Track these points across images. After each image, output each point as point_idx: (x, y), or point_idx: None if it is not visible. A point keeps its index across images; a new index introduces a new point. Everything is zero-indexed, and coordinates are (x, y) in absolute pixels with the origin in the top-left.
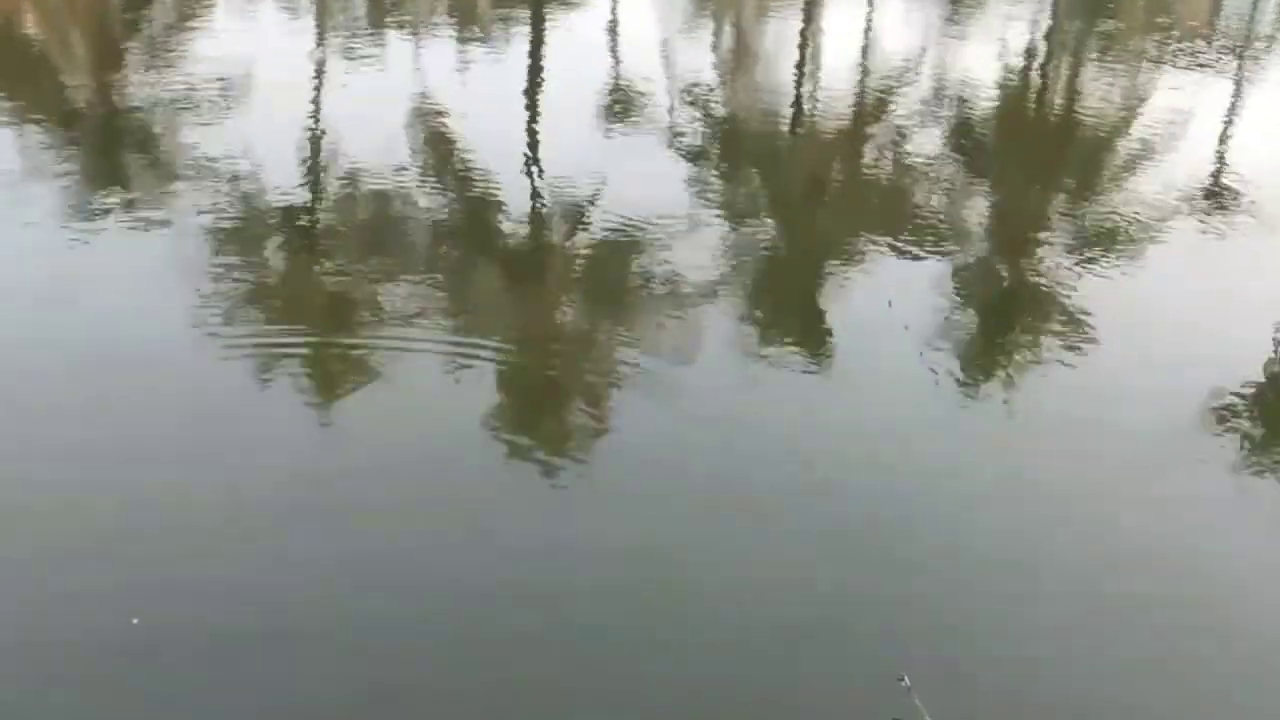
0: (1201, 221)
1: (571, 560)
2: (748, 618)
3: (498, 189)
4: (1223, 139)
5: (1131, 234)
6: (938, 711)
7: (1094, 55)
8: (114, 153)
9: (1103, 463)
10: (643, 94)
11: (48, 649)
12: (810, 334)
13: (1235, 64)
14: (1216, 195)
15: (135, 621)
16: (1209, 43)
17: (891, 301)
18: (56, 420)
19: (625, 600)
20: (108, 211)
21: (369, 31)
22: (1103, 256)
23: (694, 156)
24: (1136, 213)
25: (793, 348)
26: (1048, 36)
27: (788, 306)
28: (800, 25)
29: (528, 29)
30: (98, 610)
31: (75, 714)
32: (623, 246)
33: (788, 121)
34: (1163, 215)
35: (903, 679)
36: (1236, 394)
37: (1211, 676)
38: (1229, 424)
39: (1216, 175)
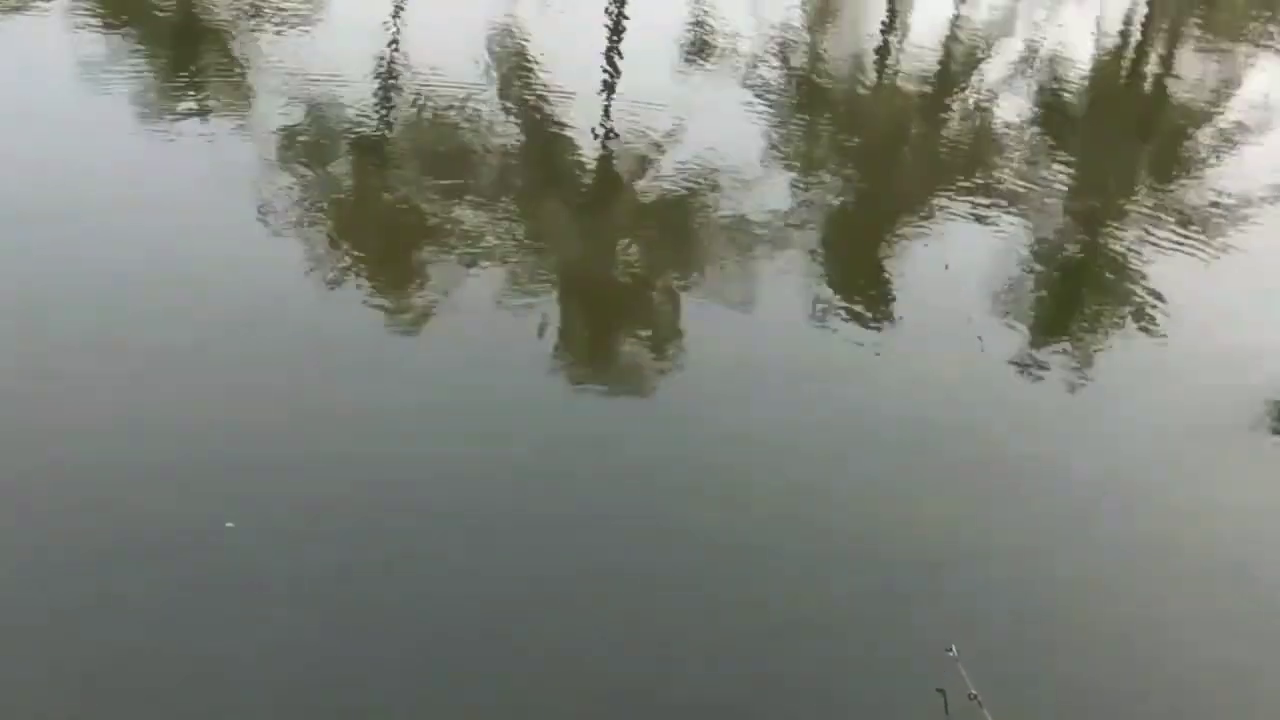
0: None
1: None
2: None
3: None
4: None
5: (1213, 215)
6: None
7: (1192, 29)
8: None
9: None
10: None
11: None
12: None
13: None
14: None
15: (230, 525)
16: None
17: (949, 265)
18: None
19: None
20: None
21: None
22: (1183, 235)
23: None
24: (1220, 193)
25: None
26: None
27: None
28: None
29: None
30: None
31: None
32: None
33: (870, 77)
34: (1246, 199)
35: (950, 649)
36: None
37: None
38: None
39: None
